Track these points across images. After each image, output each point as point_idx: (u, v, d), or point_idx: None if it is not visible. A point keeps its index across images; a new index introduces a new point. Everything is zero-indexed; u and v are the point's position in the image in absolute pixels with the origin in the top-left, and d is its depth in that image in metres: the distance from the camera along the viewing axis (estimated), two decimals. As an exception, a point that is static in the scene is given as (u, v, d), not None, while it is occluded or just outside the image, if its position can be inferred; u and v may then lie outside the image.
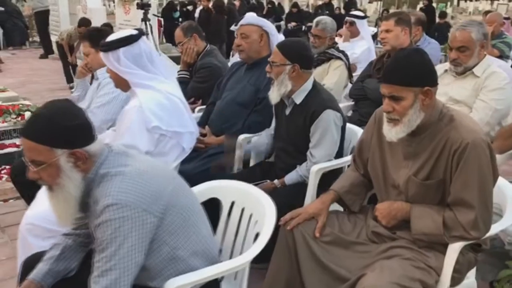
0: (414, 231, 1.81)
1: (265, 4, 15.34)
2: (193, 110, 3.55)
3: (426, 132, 1.80)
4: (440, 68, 3.06)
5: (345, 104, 3.81)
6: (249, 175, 2.69)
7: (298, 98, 2.50)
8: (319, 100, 2.44)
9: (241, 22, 3.07)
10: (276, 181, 2.57)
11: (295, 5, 14.16)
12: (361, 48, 5.01)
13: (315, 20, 3.96)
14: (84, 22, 7.45)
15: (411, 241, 1.83)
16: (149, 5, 5.44)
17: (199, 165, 2.84)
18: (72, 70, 7.61)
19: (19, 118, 4.42)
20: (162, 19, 12.84)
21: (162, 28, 10.95)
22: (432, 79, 1.75)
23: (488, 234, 1.76)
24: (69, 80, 7.98)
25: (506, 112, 2.80)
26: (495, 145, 2.59)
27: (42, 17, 10.61)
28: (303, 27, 12.72)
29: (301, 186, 2.50)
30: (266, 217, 1.74)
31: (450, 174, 1.75)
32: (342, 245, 1.94)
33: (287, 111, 2.58)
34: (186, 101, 3.59)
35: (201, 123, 3.19)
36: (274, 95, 2.49)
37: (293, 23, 13.08)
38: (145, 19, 5.54)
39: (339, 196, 2.07)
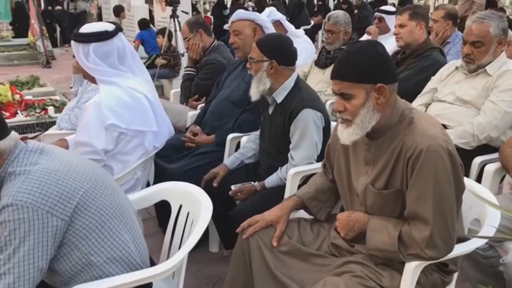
0: (369, 246, 1.63)
1: (315, 1, 15.04)
2: (196, 108, 3.50)
3: (385, 135, 1.61)
4: (451, 65, 2.80)
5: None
6: (232, 176, 2.59)
7: (279, 97, 2.36)
8: (298, 99, 2.29)
9: (232, 18, 2.97)
10: (256, 183, 2.44)
11: (345, 1, 13.74)
12: (390, 46, 4.68)
13: (327, 15, 3.76)
14: (119, 8, 7.65)
15: (368, 257, 1.65)
16: (177, 2, 5.43)
17: (187, 164, 2.77)
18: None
19: (43, 112, 4.55)
20: (212, 17, 12.97)
21: (211, 26, 11.02)
22: (386, 75, 1.56)
23: (451, 255, 1.54)
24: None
25: (518, 116, 2.50)
26: (502, 155, 2.32)
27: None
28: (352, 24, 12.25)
29: (282, 189, 2.36)
30: (200, 219, 1.63)
31: (406, 184, 1.55)
32: (300, 256, 1.79)
33: (270, 110, 2.45)
34: (189, 98, 3.59)
35: (197, 121, 3.12)
36: (253, 92, 2.37)
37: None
38: (173, 16, 5.55)
39: (302, 203, 1.92)
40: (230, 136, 2.80)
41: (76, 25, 8.64)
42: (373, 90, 1.54)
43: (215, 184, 2.53)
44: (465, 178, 1.94)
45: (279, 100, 2.36)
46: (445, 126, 2.60)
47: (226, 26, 3.15)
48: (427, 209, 1.49)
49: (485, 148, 2.52)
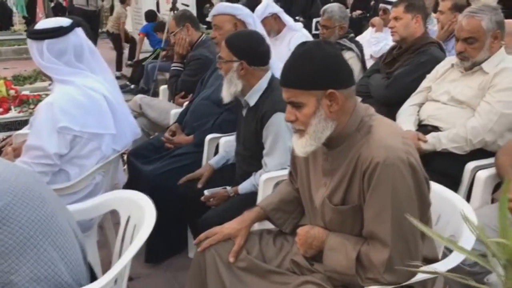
0: (325, 268, 1.47)
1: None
2: (182, 105, 3.36)
3: (343, 144, 1.44)
4: (447, 62, 2.59)
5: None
6: (208, 180, 2.45)
7: (252, 99, 2.20)
8: (270, 101, 2.13)
9: (212, 11, 2.81)
10: (229, 189, 2.30)
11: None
12: (395, 38, 4.50)
13: (322, 9, 3.57)
14: None
15: (327, 277, 1.49)
16: (178, -6, 5.30)
17: (163, 166, 2.64)
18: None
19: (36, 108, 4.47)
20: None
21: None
22: (337, 80, 1.39)
23: (415, 279, 1.37)
24: (119, 68, 8.15)
25: (517, 118, 2.28)
26: (497, 163, 2.12)
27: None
28: (368, 15, 11.99)
29: (255, 196, 2.21)
30: (142, 228, 1.50)
31: (364, 199, 1.39)
32: (258, 273, 1.64)
33: (244, 113, 2.30)
34: (176, 95, 3.46)
35: (179, 120, 2.98)
36: (224, 94, 2.22)
37: (358, 12, 12.36)
38: (173, 8, 5.41)
39: (266, 214, 1.76)
40: (209, 136, 2.66)
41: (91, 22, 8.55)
42: (324, 97, 1.38)
43: (199, 185, 2.41)
44: (442, 188, 1.77)
45: (252, 103, 2.20)
46: (437, 128, 2.42)
47: (208, 19, 3.00)
48: (386, 229, 1.32)
49: (480, 153, 2.32)
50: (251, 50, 2.14)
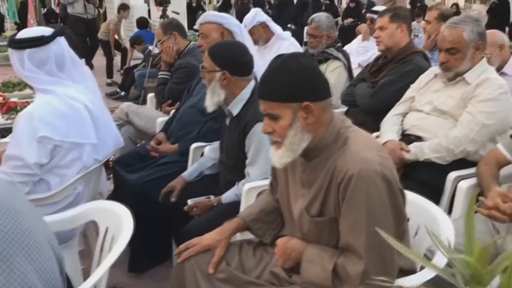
0: (303, 279, 1.47)
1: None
2: (169, 113, 3.35)
3: (320, 156, 1.45)
4: (430, 72, 2.61)
5: (342, 110, 3.41)
6: (192, 189, 2.45)
7: (235, 109, 2.20)
8: (252, 111, 2.12)
9: (200, 20, 2.83)
10: (212, 198, 2.30)
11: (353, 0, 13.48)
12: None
13: (310, 18, 3.59)
14: (125, 6, 7.56)
15: (306, 290, 1.49)
16: (168, 2, 5.31)
17: (147, 175, 2.63)
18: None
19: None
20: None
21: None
22: (313, 92, 1.40)
23: (391, 292, 1.37)
24: (109, 75, 8.13)
25: (499, 128, 2.29)
26: (478, 172, 2.14)
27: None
28: (360, 23, 12.05)
29: (238, 206, 2.20)
30: (120, 240, 1.49)
31: (339, 211, 1.39)
32: (237, 284, 1.63)
33: (227, 122, 2.30)
34: (163, 103, 3.45)
35: (165, 128, 2.98)
36: (208, 103, 2.22)
37: (350, 19, 12.45)
38: (163, 16, 5.45)
39: (246, 225, 1.76)
40: (194, 145, 2.66)
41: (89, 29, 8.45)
42: (300, 109, 1.38)
43: (173, 199, 2.39)
44: (422, 199, 1.78)
45: (235, 112, 2.21)
46: (420, 138, 2.43)
47: (195, 27, 3.01)
48: (360, 242, 1.32)
49: (463, 163, 2.33)
50: (233, 60, 2.15)
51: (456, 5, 14.15)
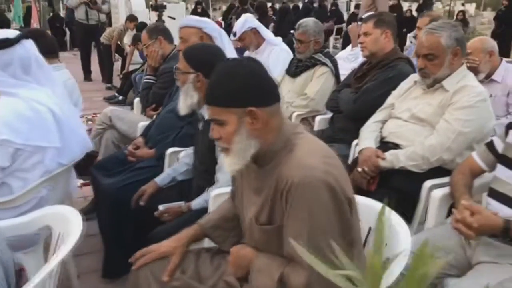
0: None
1: (329, 6, 14.80)
2: (153, 117, 3.34)
3: (270, 163, 1.41)
4: (410, 79, 2.57)
5: (328, 116, 3.37)
6: (164, 195, 2.42)
7: (207, 113, 2.17)
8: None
9: (180, 24, 2.81)
10: (182, 204, 2.27)
11: (358, 6, 13.45)
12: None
13: (297, 24, 3.55)
14: (133, 17, 7.61)
15: (255, 300, 1.45)
16: (163, 7, 5.32)
17: (122, 179, 2.61)
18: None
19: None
20: (222, 22, 12.90)
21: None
22: (258, 98, 1.36)
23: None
24: (109, 80, 8.15)
25: (477, 136, 2.23)
26: (451, 181, 2.08)
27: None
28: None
29: (207, 212, 2.17)
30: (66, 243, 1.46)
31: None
32: (193, 293, 1.60)
33: (200, 126, 2.27)
34: (147, 107, 3.43)
35: (145, 133, 2.96)
36: (181, 106, 2.20)
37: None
38: (159, 21, 5.43)
39: (205, 232, 1.73)
40: (170, 150, 2.63)
41: (87, 35, 8.44)
42: (244, 114, 1.35)
43: (141, 203, 2.37)
44: (379, 205, 1.73)
45: (206, 116, 2.17)
46: (398, 146, 2.38)
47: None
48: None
49: (440, 171, 2.28)
50: (207, 63, 2.11)
51: (462, 12, 14.04)
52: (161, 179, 2.41)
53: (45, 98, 1.98)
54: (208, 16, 13.45)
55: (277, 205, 1.36)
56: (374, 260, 0.70)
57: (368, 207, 1.67)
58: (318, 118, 3.35)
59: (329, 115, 3.35)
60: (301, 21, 3.56)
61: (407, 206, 2.30)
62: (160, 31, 3.37)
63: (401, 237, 1.54)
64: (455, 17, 13.49)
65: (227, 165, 1.42)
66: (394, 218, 1.62)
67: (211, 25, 2.82)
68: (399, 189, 2.28)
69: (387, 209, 1.61)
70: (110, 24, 11.46)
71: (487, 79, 3.31)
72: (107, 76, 8.11)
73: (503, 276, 1.70)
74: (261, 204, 1.42)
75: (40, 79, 2.01)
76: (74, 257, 2.82)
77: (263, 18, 9.64)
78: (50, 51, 2.79)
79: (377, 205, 1.73)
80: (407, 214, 2.31)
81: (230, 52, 2.88)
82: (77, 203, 3.39)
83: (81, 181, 3.66)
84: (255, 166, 1.45)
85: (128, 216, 2.49)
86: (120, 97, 6.88)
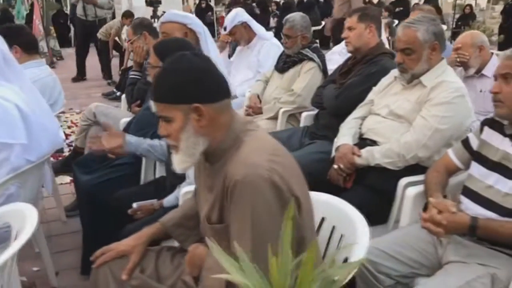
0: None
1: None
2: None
3: (220, 161, 1.38)
4: (390, 75, 2.52)
5: (314, 112, 3.32)
6: (141, 192, 2.40)
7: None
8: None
9: (163, 18, 2.78)
10: (155, 201, 2.25)
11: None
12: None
13: (284, 18, 3.51)
14: (129, 14, 7.59)
15: (208, 299, 1.42)
16: (158, 2, 5.29)
17: (99, 176, 2.60)
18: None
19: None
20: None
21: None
22: (204, 94, 1.33)
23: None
24: (109, 76, 8.16)
25: (455, 133, 2.18)
26: (426, 178, 2.03)
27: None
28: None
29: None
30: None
31: None
32: (150, 292, 1.58)
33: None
34: (132, 103, 3.42)
35: (126, 129, 2.94)
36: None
37: None
38: (154, 16, 5.43)
39: (165, 230, 1.71)
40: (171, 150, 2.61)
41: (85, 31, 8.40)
42: (190, 111, 1.32)
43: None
44: (338, 201, 1.70)
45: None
46: (375, 143, 2.34)
47: (155, 25, 2.96)
48: (246, 251, 1.25)
49: (417, 169, 2.23)
50: None
51: (470, 6, 13.83)
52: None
53: (11, 95, 1.97)
54: (212, 12, 13.44)
55: (225, 204, 1.34)
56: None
57: (321, 201, 1.69)
58: (304, 115, 3.31)
59: (316, 111, 3.31)
60: (288, 16, 3.51)
61: (383, 204, 2.26)
62: (144, 27, 3.35)
63: (359, 232, 1.50)
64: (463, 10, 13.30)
65: (176, 163, 1.40)
66: (353, 213, 1.59)
67: (195, 21, 2.78)
68: (375, 187, 2.24)
69: (347, 205, 1.58)
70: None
71: (478, 74, 3.24)
72: (107, 73, 8.11)
73: (470, 276, 1.67)
74: (212, 202, 1.40)
75: (8, 76, 2.00)
76: (56, 254, 2.85)
77: (264, 13, 9.62)
78: (30, 47, 2.78)
79: (331, 199, 1.71)
80: (385, 212, 2.28)
81: (213, 49, 2.85)
82: (65, 200, 3.41)
83: (70, 178, 3.68)
84: (207, 163, 1.43)
85: (104, 213, 2.47)
86: (118, 93, 6.87)
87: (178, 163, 1.39)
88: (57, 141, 2.22)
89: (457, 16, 13.39)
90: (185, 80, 1.32)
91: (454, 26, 12.42)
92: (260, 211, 1.24)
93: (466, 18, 12.11)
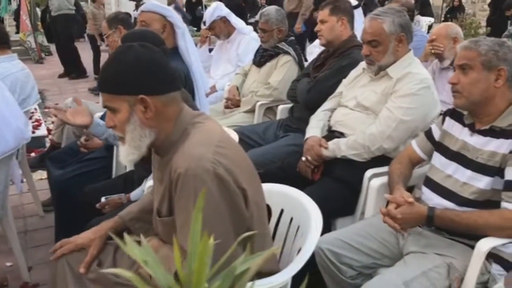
0: (154, 281, 1.41)
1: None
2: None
3: (169, 154, 1.38)
4: (359, 67, 2.52)
5: (289, 105, 3.32)
6: (110, 186, 2.40)
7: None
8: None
9: (142, 8, 2.76)
10: (123, 196, 2.25)
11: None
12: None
13: (259, 12, 3.50)
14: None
15: (159, 292, 1.43)
16: (143, -4, 5.26)
17: (72, 170, 2.60)
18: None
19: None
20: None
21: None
22: (149, 85, 1.33)
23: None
24: (96, 70, 8.12)
25: (420, 124, 2.19)
26: (389, 169, 2.04)
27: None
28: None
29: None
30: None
31: None
32: (107, 285, 1.58)
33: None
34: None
35: (99, 124, 2.94)
36: None
37: None
38: (137, 10, 5.36)
39: (124, 224, 1.71)
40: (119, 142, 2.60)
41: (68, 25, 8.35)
42: (136, 102, 1.32)
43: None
44: (292, 190, 1.72)
45: None
46: (343, 135, 2.35)
47: (135, 14, 2.93)
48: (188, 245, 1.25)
49: (384, 160, 2.24)
50: None
51: (459, -1, 13.80)
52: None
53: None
54: (203, 6, 13.35)
55: (173, 196, 1.34)
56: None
57: (281, 193, 1.71)
58: (280, 108, 3.32)
59: (290, 104, 3.31)
60: (263, 9, 3.51)
61: (351, 196, 2.27)
62: (119, 21, 3.30)
63: (312, 220, 1.52)
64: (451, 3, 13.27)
65: (122, 155, 1.40)
66: (309, 205, 1.60)
67: (174, 14, 2.76)
68: (343, 179, 2.25)
69: (305, 196, 1.58)
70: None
71: (452, 65, 3.25)
72: (95, 67, 8.06)
73: (427, 266, 1.68)
74: (162, 195, 1.40)
75: None
76: (31, 248, 2.85)
77: (253, 6, 9.56)
78: (1, 41, 2.77)
79: (290, 191, 1.72)
80: (352, 204, 2.30)
81: (191, 47, 2.83)
82: (43, 195, 3.41)
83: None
84: (158, 156, 1.43)
85: (75, 207, 2.47)
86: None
87: (124, 155, 1.39)
88: (23, 136, 2.21)
89: (447, 9, 13.37)
90: (130, 71, 1.31)
91: (443, 19, 12.41)
92: (204, 206, 1.24)
93: (455, 11, 12.10)
